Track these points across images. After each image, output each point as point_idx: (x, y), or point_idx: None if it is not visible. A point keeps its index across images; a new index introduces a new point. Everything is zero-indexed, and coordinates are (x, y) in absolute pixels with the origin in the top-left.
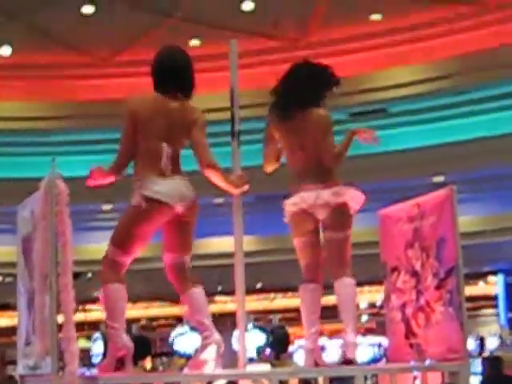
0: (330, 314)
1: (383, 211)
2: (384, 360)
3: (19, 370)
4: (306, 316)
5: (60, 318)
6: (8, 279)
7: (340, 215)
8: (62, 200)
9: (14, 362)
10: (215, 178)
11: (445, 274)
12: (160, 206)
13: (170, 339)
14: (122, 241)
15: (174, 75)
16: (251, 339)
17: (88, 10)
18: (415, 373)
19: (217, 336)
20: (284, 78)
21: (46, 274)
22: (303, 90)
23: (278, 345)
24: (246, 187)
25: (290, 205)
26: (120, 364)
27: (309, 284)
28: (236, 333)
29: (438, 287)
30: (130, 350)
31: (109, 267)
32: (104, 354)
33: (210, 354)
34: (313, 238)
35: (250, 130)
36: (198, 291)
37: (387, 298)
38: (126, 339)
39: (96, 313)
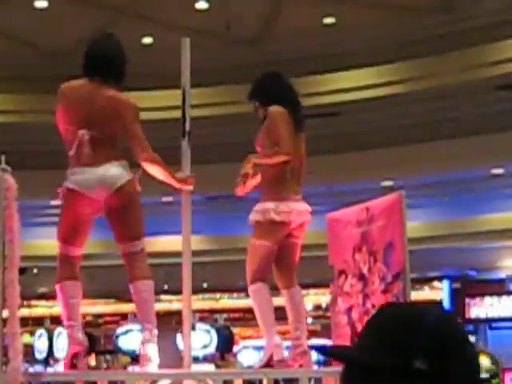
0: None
1: (331, 214)
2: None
3: None
4: (271, 314)
5: (4, 314)
6: None
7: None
8: (10, 195)
9: None
10: (155, 171)
11: (392, 278)
12: (75, 195)
13: (115, 336)
14: (61, 233)
15: (103, 61)
16: (196, 339)
17: (40, 4)
18: None
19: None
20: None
21: None
22: None
23: (223, 345)
24: (191, 187)
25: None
26: (75, 360)
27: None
28: (181, 332)
29: (385, 291)
30: (84, 346)
31: (61, 263)
32: (48, 350)
33: (154, 350)
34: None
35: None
36: (141, 284)
37: (334, 302)
38: (82, 336)
39: (41, 308)
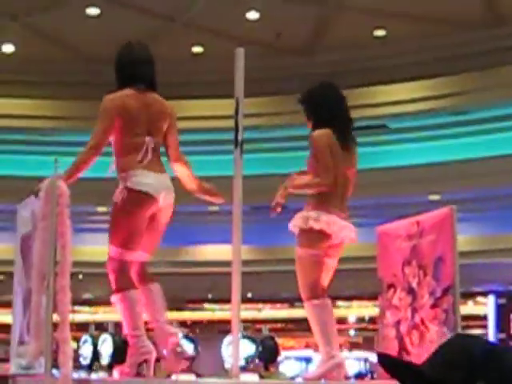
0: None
1: (381, 228)
2: (370, 375)
3: (12, 369)
4: (331, 328)
5: (54, 319)
6: None
7: None
8: (62, 201)
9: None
10: (185, 172)
11: (441, 292)
12: (143, 197)
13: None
14: (120, 237)
15: (150, 69)
16: (241, 348)
17: (92, 11)
18: None
19: None
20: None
21: (43, 274)
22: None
23: (268, 355)
24: (216, 199)
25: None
26: (141, 368)
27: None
28: (225, 341)
29: (434, 306)
30: (152, 354)
31: (118, 271)
32: (93, 357)
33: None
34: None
35: (251, 139)
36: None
37: (382, 315)
38: (149, 344)
39: (84, 315)
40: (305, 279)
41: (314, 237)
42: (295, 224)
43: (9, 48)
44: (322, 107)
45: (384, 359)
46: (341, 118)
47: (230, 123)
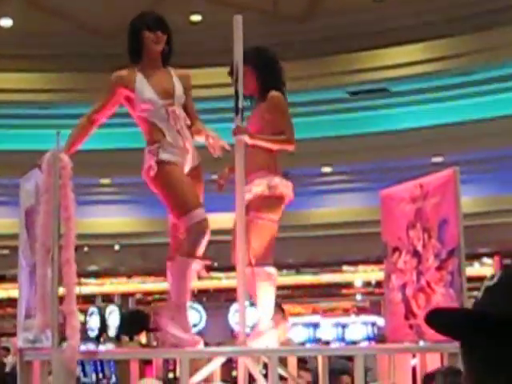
0: (323, 292)
1: (385, 191)
2: (377, 339)
3: (19, 343)
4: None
5: (61, 292)
6: (4, 251)
7: None
8: (65, 174)
9: (7, 334)
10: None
11: (446, 254)
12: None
13: None
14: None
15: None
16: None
17: None
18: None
19: None
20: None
21: (48, 247)
22: None
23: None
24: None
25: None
26: None
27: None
28: (232, 309)
29: (439, 268)
30: None
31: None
32: (100, 328)
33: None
34: None
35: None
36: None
37: (387, 279)
38: None
39: (91, 287)
40: (262, 244)
41: (275, 202)
42: (255, 191)
43: (7, 22)
44: (274, 70)
45: (432, 316)
46: (282, 81)
47: (230, 91)
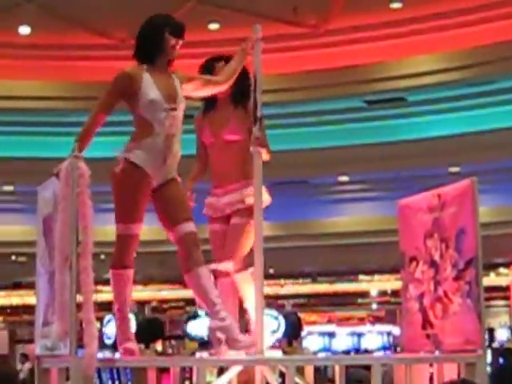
0: (339, 301)
1: (403, 201)
2: (392, 349)
3: (36, 350)
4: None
5: (78, 299)
6: (21, 258)
7: None
8: (83, 181)
9: (23, 341)
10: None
11: (464, 265)
12: None
13: (184, 322)
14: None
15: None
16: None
17: None
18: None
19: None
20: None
21: (66, 254)
22: None
23: (291, 331)
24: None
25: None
26: None
27: None
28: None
29: (457, 278)
30: None
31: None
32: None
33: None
34: None
35: (269, 115)
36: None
37: (404, 288)
38: None
39: (107, 294)
40: (244, 249)
41: (251, 210)
42: (237, 203)
43: (25, 30)
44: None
45: None
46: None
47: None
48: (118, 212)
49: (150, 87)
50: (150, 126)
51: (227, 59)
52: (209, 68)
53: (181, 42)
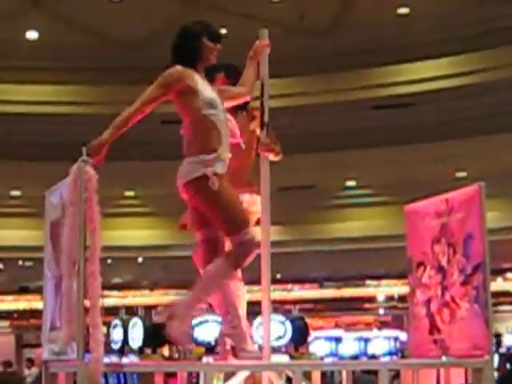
0: (346, 306)
1: (410, 206)
2: (399, 354)
3: (44, 354)
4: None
5: (85, 304)
6: (28, 263)
7: None
8: (91, 186)
9: (30, 346)
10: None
11: (471, 270)
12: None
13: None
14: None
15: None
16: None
17: None
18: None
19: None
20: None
21: (74, 259)
22: None
23: (298, 336)
24: None
25: None
26: None
27: None
28: (256, 322)
29: (464, 283)
30: None
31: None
32: (123, 341)
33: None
34: None
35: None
36: None
37: (412, 293)
38: None
39: (114, 299)
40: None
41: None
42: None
43: (32, 34)
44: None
45: None
46: None
47: (255, 105)
48: (236, 222)
49: (206, 87)
50: (215, 132)
51: (227, 69)
52: (208, 77)
53: (219, 46)
